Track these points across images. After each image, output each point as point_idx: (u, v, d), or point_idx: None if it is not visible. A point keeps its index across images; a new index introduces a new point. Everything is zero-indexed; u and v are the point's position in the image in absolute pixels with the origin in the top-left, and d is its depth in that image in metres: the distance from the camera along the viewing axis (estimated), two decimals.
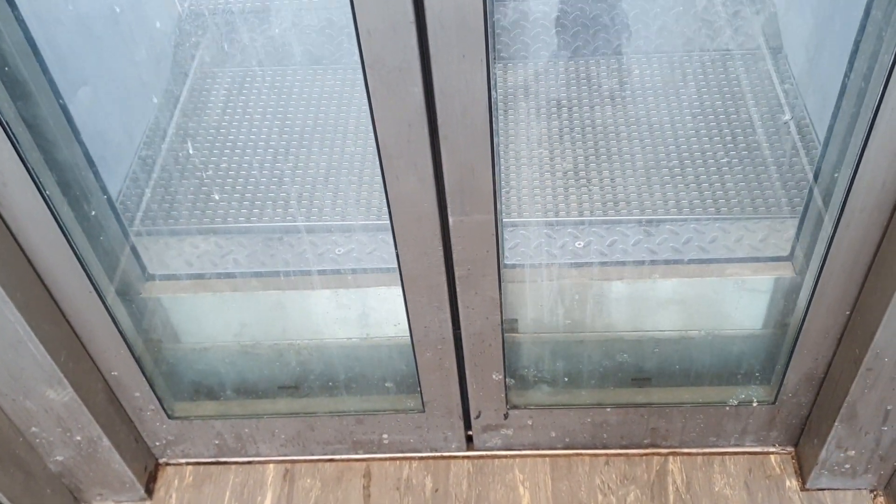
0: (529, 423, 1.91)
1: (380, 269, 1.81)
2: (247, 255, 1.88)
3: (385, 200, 1.44)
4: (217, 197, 2.01)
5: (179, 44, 2.12)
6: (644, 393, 1.89)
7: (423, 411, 1.88)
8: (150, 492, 1.96)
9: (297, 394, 1.92)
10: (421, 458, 1.99)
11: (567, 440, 1.95)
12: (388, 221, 1.49)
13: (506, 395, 1.84)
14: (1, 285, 1.43)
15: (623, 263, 1.82)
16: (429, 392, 1.83)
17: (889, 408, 1.66)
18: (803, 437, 1.90)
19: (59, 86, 1.36)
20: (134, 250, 1.79)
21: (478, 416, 1.90)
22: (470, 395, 1.85)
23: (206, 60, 2.24)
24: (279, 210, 2.00)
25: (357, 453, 1.99)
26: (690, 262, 1.82)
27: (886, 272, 1.45)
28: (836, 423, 1.72)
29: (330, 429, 1.93)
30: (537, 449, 1.98)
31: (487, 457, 1.98)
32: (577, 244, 1.90)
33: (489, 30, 1.20)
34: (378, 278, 1.82)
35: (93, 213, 1.53)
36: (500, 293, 1.62)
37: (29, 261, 1.50)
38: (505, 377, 1.81)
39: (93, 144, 1.58)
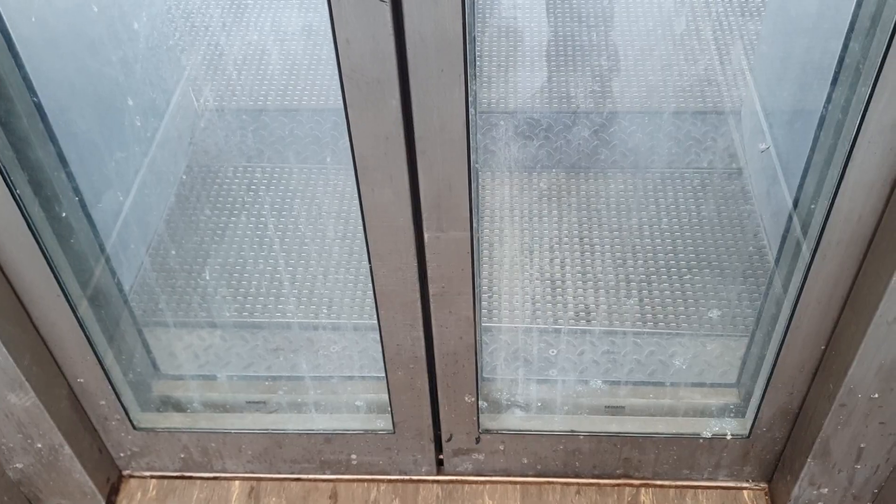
0: (501, 448, 1.89)
1: (372, 377, 1.89)
2: (249, 350, 2.02)
3: (360, 213, 1.42)
4: (219, 290, 2.14)
5: (194, 140, 2.22)
6: (617, 422, 1.87)
7: (394, 432, 1.86)
8: None
9: (265, 409, 1.89)
10: (389, 481, 1.96)
11: (539, 467, 1.93)
12: (367, 259, 1.49)
13: (478, 418, 1.82)
14: None
15: (586, 382, 1.91)
16: (400, 413, 1.81)
17: (862, 445, 1.65)
18: (777, 473, 1.88)
19: (34, 83, 1.35)
20: (145, 344, 1.86)
21: (449, 440, 1.88)
22: (441, 418, 1.83)
23: (217, 155, 2.36)
24: (280, 306, 2.13)
25: (324, 473, 1.96)
26: (647, 383, 1.94)
27: (861, 306, 1.44)
28: (808, 460, 1.70)
29: (298, 447, 1.90)
30: (508, 475, 1.95)
31: (457, 481, 1.95)
32: (550, 352, 2.02)
33: (468, 45, 1.20)
34: (367, 386, 1.89)
35: (63, 214, 1.51)
36: (475, 313, 1.60)
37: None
38: (478, 400, 1.78)
39: (113, 246, 1.67)
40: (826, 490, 1.76)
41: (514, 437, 1.87)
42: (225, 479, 1.96)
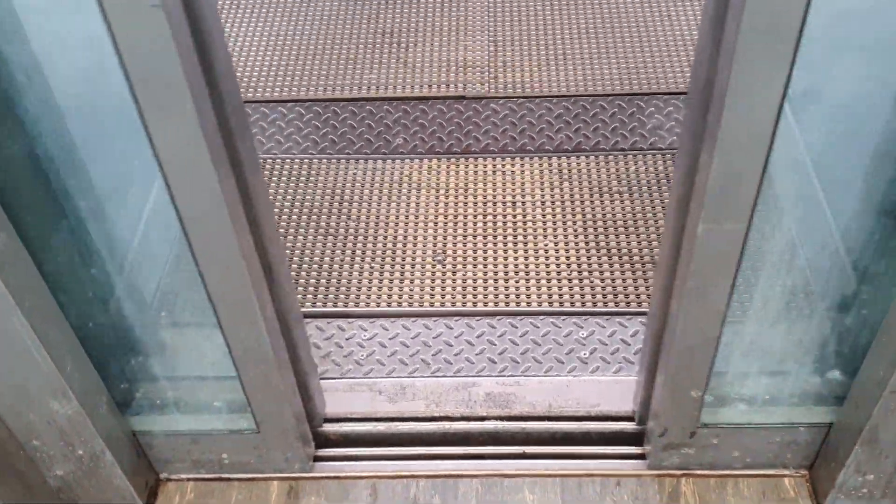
0: (714, 442, 1.84)
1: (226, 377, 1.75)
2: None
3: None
4: None
5: None
6: None
7: (258, 432, 1.81)
8: None
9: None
10: (427, 476, 1.93)
11: (748, 460, 1.89)
12: None
13: (699, 413, 1.76)
14: (9, 292, 1.38)
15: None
16: (260, 412, 1.76)
17: None
18: (819, 460, 1.87)
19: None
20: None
21: (662, 434, 1.81)
22: (658, 412, 1.78)
23: None
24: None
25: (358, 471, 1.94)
26: None
27: None
28: (856, 447, 1.69)
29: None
30: (713, 469, 1.91)
31: (496, 475, 1.94)
32: (580, 334, 2.12)
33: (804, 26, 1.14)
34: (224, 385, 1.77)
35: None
36: (727, 306, 1.53)
37: (38, 265, 1.45)
38: (704, 394, 1.71)
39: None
40: (871, 476, 1.76)
41: (730, 431, 1.82)
42: (262, 479, 1.94)
